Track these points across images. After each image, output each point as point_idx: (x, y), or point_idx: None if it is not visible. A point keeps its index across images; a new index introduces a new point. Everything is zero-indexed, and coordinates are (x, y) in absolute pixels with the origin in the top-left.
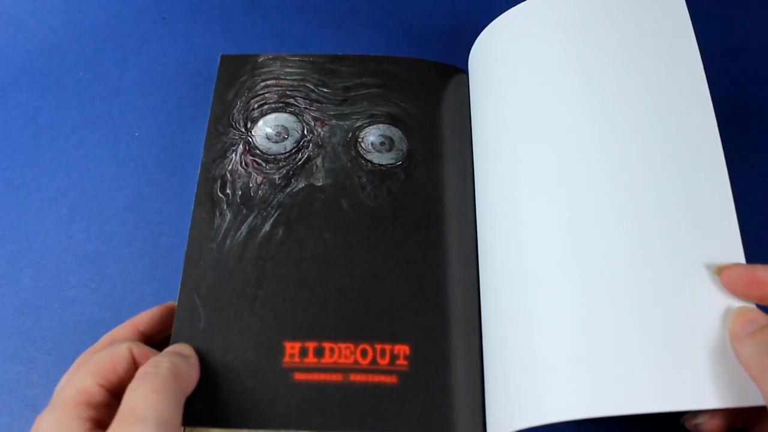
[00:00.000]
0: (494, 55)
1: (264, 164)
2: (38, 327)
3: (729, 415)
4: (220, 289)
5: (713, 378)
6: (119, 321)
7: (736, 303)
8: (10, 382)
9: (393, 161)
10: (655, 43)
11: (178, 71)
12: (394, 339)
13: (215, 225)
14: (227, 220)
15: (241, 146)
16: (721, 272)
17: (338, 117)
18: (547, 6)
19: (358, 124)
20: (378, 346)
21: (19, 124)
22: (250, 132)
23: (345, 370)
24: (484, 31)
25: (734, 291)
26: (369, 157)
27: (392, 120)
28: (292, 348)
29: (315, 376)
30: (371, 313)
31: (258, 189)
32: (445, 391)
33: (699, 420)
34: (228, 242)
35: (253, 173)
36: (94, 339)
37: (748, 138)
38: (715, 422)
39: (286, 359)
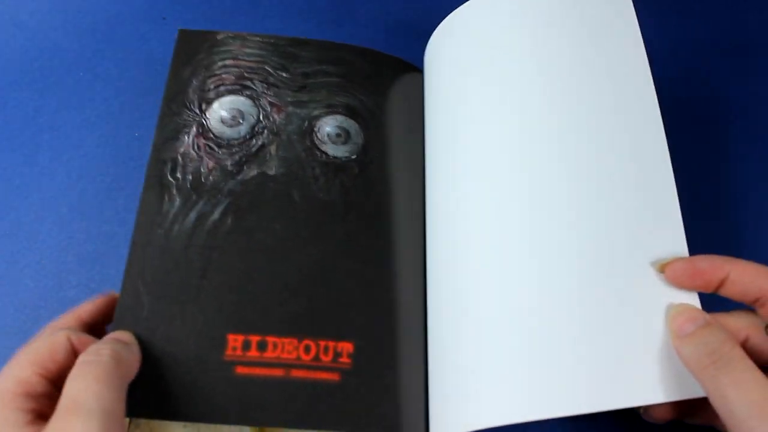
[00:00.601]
0: (445, 55)
1: (217, 149)
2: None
3: (676, 403)
4: (165, 276)
5: (658, 373)
6: None
7: (677, 299)
8: None
9: (348, 154)
10: (602, 38)
11: None
12: (338, 336)
13: (164, 210)
14: (176, 206)
15: (194, 128)
16: (664, 268)
17: (296, 104)
18: (497, 2)
19: (315, 113)
20: (322, 343)
21: (19, 124)
22: (205, 114)
23: (287, 365)
24: (436, 30)
25: (679, 284)
26: (324, 148)
27: (350, 112)
28: (234, 341)
29: (257, 371)
30: (317, 308)
31: (209, 175)
32: (388, 390)
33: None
34: (176, 228)
35: (205, 158)
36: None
37: (739, 136)
38: (664, 408)
39: (228, 352)
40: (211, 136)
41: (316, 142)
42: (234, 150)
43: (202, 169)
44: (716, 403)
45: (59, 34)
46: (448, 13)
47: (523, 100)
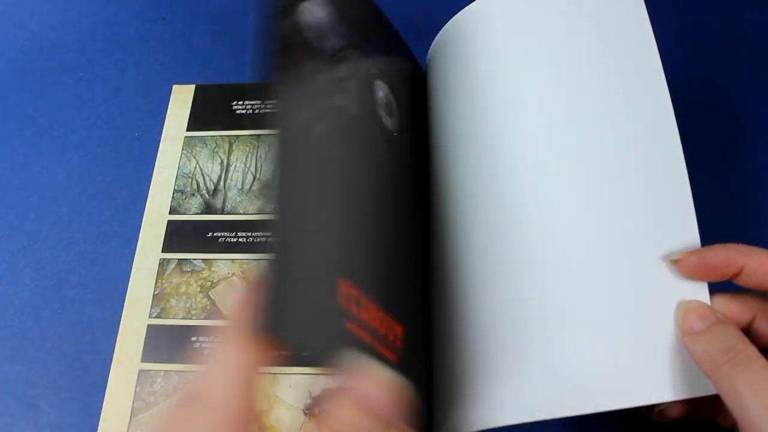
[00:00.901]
0: (453, 56)
1: (310, 55)
2: (38, 327)
3: (688, 401)
4: (307, 168)
5: (667, 371)
6: (119, 321)
7: (686, 289)
8: (10, 382)
9: (392, 129)
10: (612, 36)
11: (177, 71)
12: (396, 316)
13: (296, 91)
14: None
15: (288, 21)
16: (677, 264)
17: (362, 50)
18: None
19: (373, 71)
20: (387, 319)
21: (19, 124)
22: (293, 12)
23: (372, 333)
24: (441, 31)
25: (694, 278)
26: (379, 112)
27: (392, 87)
28: (342, 288)
29: (357, 330)
30: (390, 280)
31: (311, 77)
32: (421, 381)
33: (660, 407)
34: (305, 114)
35: (303, 57)
36: (94, 339)
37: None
38: (677, 407)
39: (339, 299)
40: (304, 38)
41: (375, 101)
42: (323, 67)
43: (304, 67)
44: (729, 401)
45: (59, 34)
46: (450, 14)
47: (534, 98)
